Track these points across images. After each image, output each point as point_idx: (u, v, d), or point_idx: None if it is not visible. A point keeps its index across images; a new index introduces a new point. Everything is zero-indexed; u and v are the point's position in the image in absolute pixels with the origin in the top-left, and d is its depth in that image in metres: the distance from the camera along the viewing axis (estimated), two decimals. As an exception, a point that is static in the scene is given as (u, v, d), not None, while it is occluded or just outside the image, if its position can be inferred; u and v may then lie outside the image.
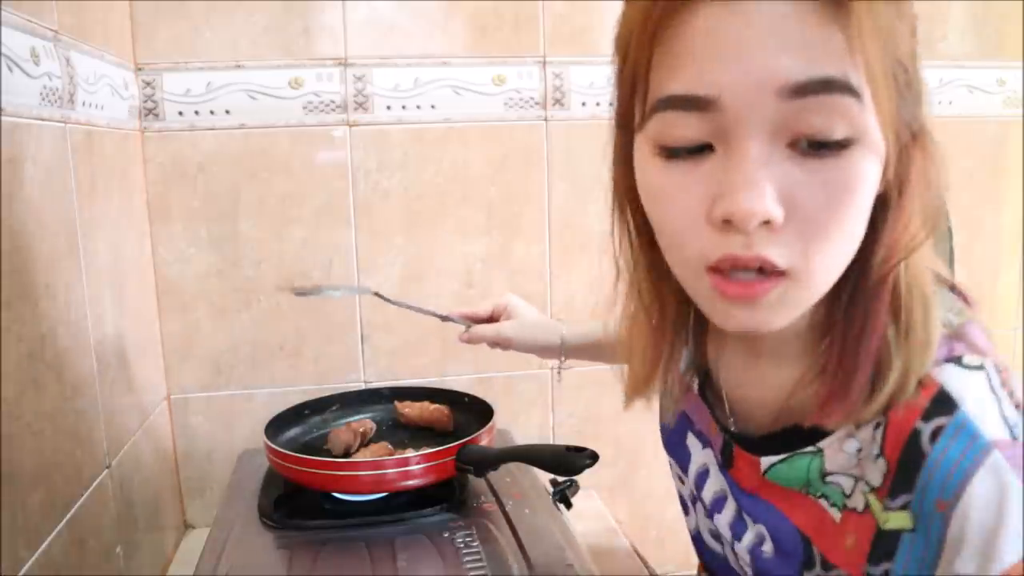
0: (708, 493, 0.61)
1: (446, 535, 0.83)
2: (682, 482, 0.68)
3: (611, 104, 0.49)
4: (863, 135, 0.41)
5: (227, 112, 1.15)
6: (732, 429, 0.57)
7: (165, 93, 1.14)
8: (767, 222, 0.41)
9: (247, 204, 1.18)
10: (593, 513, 1.24)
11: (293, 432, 1.05)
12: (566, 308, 1.29)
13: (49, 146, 0.78)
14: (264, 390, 1.22)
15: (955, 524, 0.42)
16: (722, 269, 0.43)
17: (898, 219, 0.45)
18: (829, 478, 0.50)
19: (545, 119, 1.25)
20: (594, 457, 0.80)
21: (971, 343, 0.47)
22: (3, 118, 0.67)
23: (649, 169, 0.45)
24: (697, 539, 0.68)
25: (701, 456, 0.62)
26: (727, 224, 0.42)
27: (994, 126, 1.41)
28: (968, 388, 0.44)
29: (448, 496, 0.91)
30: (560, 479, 0.98)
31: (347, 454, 0.97)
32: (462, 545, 0.81)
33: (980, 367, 0.46)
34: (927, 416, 0.44)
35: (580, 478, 0.94)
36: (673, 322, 0.55)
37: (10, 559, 0.64)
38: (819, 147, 0.41)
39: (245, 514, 0.91)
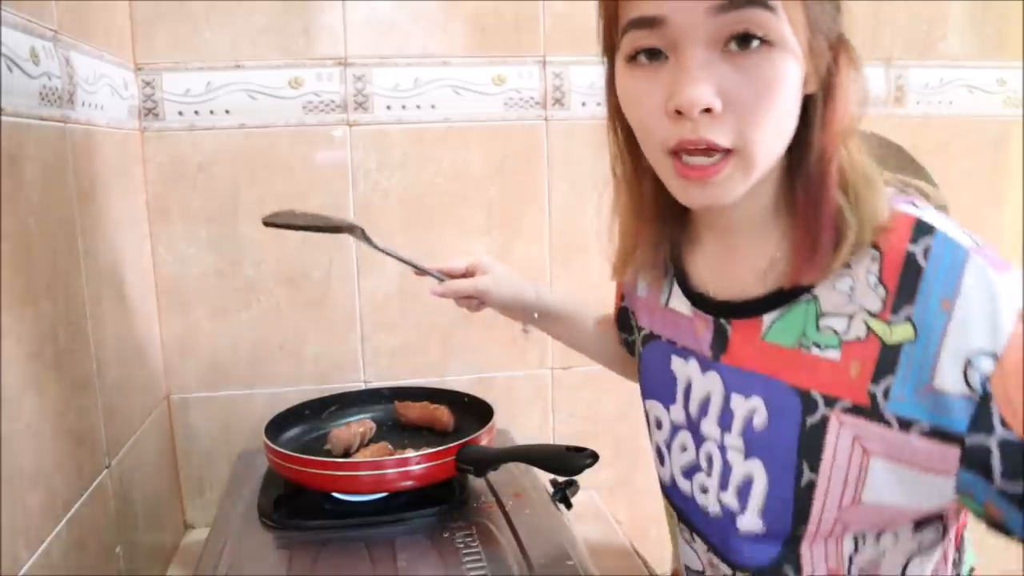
0: (694, 405, 0.68)
1: (446, 535, 0.83)
2: (659, 427, 0.74)
3: (598, 39, 0.64)
4: (779, 40, 0.52)
5: (227, 112, 1.15)
6: (721, 303, 0.66)
7: (165, 93, 1.14)
8: (708, 110, 0.53)
9: (247, 204, 1.18)
10: (593, 513, 1.24)
11: (293, 432, 1.05)
12: (566, 308, 1.29)
13: (49, 146, 0.78)
14: (264, 390, 1.22)
15: (958, 312, 0.52)
16: (679, 152, 0.55)
17: (832, 112, 0.56)
18: (823, 322, 0.59)
19: (545, 119, 1.25)
20: (594, 457, 0.80)
21: (907, 195, 0.60)
22: (3, 118, 0.67)
23: (624, 79, 0.58)
24: (671, 489, 0.73)
25: (685, 371, 0.70)
26: (679, 114, 0.53)
27: (994, 126, 1.42)
28: (935, 217, 0.56)
29: (448, 496, 0.91)
30: (560, 479, 0.99)
31: (347, 454, 0.97)
32: (462, 545, 0.81)
33: (927, 206, 0.58)
34: (914, 239, 0.55)
35: (580, 478, 0.94)
36: (651, 209, 0.67)
37: (10, 559, 0.64)
38: (745, 49, 0.52)
39: (245, 514, 0.91)
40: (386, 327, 1.25)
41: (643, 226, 0.69)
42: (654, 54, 0.55)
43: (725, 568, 0.67)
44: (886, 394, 0.55)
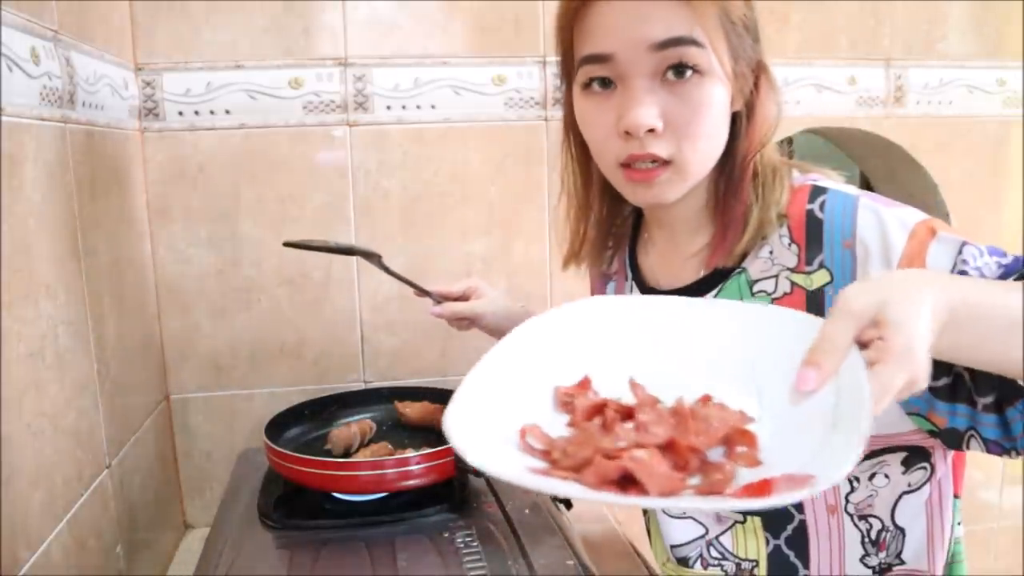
0: None
1: (446, 535, 0.83)
2: None
3: (557, 66, 0.72)
4: (708, 69, 0.62)
5: (227, 112, 1.15)
6: (672, 289, 0.74)
7: (165, 93, 1.14)
8: (651, 130, 0.63)
9: (247, 204, 1.18)
10: (593, 513, 1.24)
11: (293, 432, 1.05)
12: (566, 308, 1.29)
13: (49, 146, 0.78)
14: (264, 390, 1.22)
15: (859, 248, 0.63)
16: (628, 164, 0.65)
17: (753, 127, 0.68)
18: (756, 287, 0.69)
19: (545, 119, 1.25)
20: None
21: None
22: (3, 118, 0.67)
23: (580, 103, 0.68)
24: None
25: None
26: (627, 134, 0.63)
27: (994, 126, 1.41)
28: (828, 182, 0.68)
29: (448, 496, 0.91)
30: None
31: (347, 454, 0.97)
32: (462, 545, 0.81)
33: (820, 176, 0.70)
34: (811, 199, 0.67)
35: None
36: (597, 212, 0.78)
37: (10, 559, 0.64)
38: (680, 78, 0.62)
39: (245, 514, 0.91)
40: (386, 327, 1.25)
41: (588, 227, 0.79)
42: (605, 83, 0.64)
43: (737, 515, 0.73)
44: None
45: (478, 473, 0.88)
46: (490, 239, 1.26)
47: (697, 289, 0.72)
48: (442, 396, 1.10)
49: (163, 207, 1.16)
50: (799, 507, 0.70)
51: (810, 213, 0.66)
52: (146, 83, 1.13)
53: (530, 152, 1.25)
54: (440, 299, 0.99)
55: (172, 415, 1.21)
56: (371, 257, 0.97)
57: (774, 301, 0.67)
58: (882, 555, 0.70)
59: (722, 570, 0.75)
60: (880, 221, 0.63)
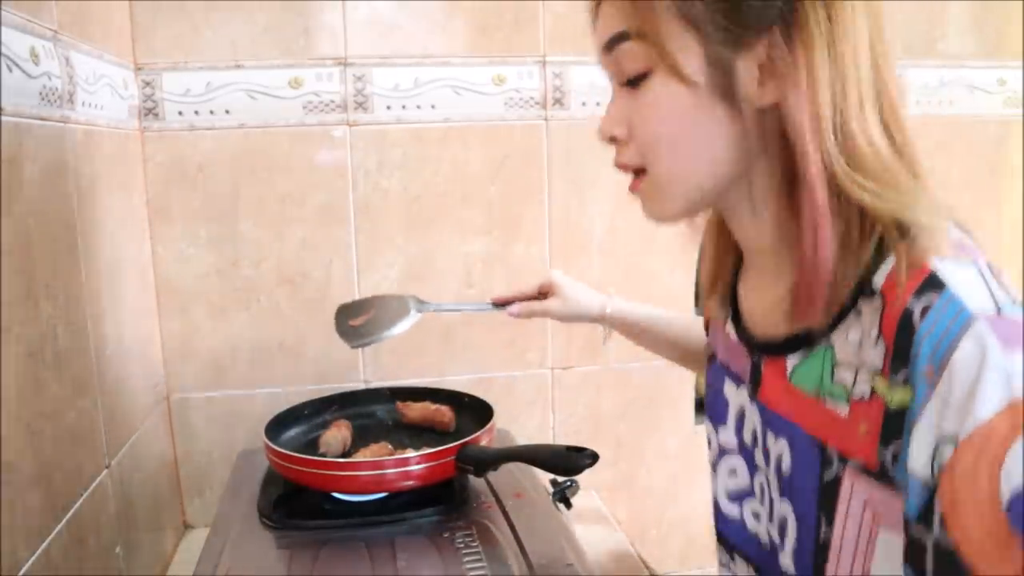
0: (747, 433, 0.67)
1: (446, 535, 0.83)
2: (709, 446, 0.73)
3: None
4: (656, 66, 0.55)
5: (227, 112, 1.15)
6: (756, 338, 0.64)
7: (165, 93, 1.14)
8: (614, 138, 0.60)
9: (247, 204, 1.18)
10: (593, 513, 1.24)
11: (293, 432, 1.05)
12: (566, 308, 1.29)
13: (49, 146, 0.78)
14: (264, 390, 1.22)
15: (942, 386, 0.47)
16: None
17: (791, 117, 0.52)
18: (836, 373, 0.55)
19: (545, 119, 1.25)
20: (594, 457, 0.80)
21: (963, 249, 0.52)
22: (3, 118, 0.67)
23: None
24: (715, 509, 0.72)
25: (737, 398, 0.68)
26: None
27: (994, 126, 1.41)
28: (956, 273, 0.50)
29: (448, 496, 0.91)
30: (560, 479, 0.98)
31: (345, 453, 0.97)
32: (462, 545, 0.81)
33: (972, 263, 0.51)
34: (918, 294, 0.49)
35: (580, 478, 0.94)
36: (710, 248, 0.71)
37: (10, 559, 0.64)
38: (635, 83, 0.57)
39: (245, 514, 0.91)
40: (386, 327, 1.24)
41: (704, 264, 0.71)
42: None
43: (747, 568, 0.67)
44: (895, 459, 0.50)
45: (478, 473, 0.89)
46: (490, 239, 1.25)
47: (780, 348, 0.60)
48: (442, 396, 1.10)
49: (163, 207, 1.16)
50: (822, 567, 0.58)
51: (907, 313, 0.49)
52: (146, 83, 1.13)
53: (530, 152, 1.25)
54: (502, 308, 0.99)
55: (172, 415, 1.21)
56: (421, 306, 1.00)
57: (851, 401, 0.53)
58: None
59: None
60: (982, 365, 0.45)
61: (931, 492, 0.47)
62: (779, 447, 0.61)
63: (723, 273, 0.70)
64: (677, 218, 0.62)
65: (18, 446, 0.67)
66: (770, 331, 0.62)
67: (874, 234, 0.53)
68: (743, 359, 0.66)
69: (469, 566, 0.76)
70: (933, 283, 0.49)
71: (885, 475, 0.51)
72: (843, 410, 0.54)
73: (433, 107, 1.21)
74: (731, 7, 0.52)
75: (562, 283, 0.98)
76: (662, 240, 1.28)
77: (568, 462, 0.81)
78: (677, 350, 0.96)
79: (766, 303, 0.63)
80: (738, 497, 0.68)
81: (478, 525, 0.85)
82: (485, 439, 0.94)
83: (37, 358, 0.72)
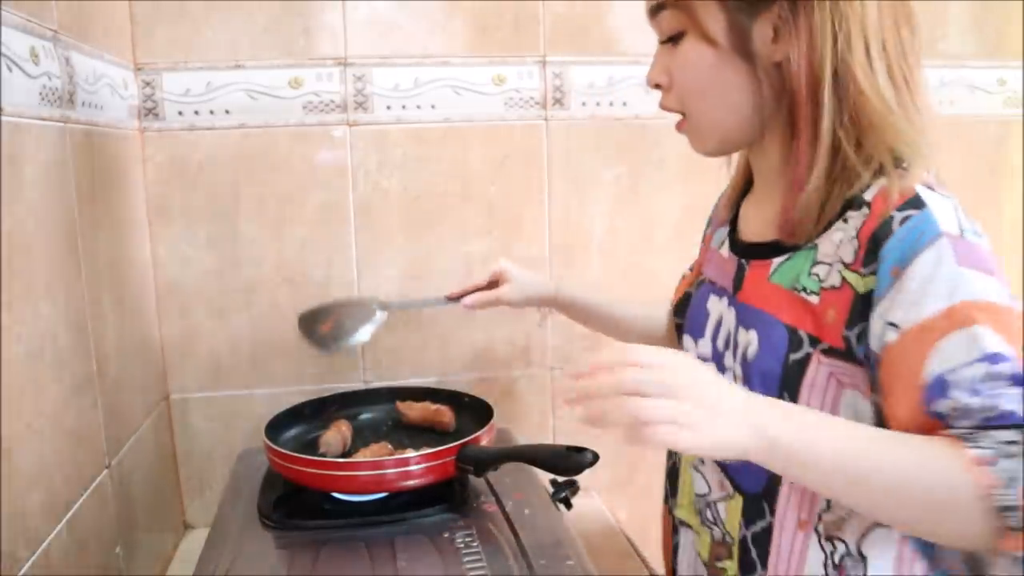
0: (720, 340, 0.76)
1: (446, 535, 0.83)
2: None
3: None
4: (688, 28, 0.67)
5: (227, 112, 1.15)
6: (747, 243, 0.76)
7: (165, 93, 1.14)
8: (659, 86, 0.72)
9: (247, 204, 1.18)
10: (593, 513, 1.24)
11: (293, 432, 1.05)
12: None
13: (49, 146, 0.78)
14: (264, 390, 1.22)
15: (899, 284, 0.58)
16: None
17: (789, 76, 0.63)
18: (813, 269, 0.65)
19: (545, 119, 1.25)
20: (594, 457, 0.80)
21: (943, 188, 0.63)
22: (3, 118, 0.67)
23: None
24: None
25: (717, 308, 0.78)
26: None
27: (994, 126, 1.42)
28: (936, 199, 0.60)
29: (448, 496, 0.90)
30: (560, 479, 0.98)
31: (345, 453, 0.97)
32: (462, 545, 0.81)
33: (950, 197, 0.62)
34: (902, 208, 0.60)
35: (580, 478, 0.94)
36: (738, 180, 0.82)
37: (10, 559, 0.64)
38: (674, 41, 0.69)
39: (245, 514, 0.91)
40: (386, 327, 1.24)
41: (728, 191, 0.84)
42: None
43: (730, 488, 0.73)
44: (859, 338, 0.61)
45: (478, 473, 0.89)
46: (490, 239, 1.25)
47: (767, 251, 0.71)
48: (442, 396, 1.10)
49: (163, 207, 1.16)
50: (772, 510, 0.68)
51: (887, 220, 0.60)
52: (146, 83, 1.13)
53: (530, 152, 1.25)
54: (456, 302, 1.04)
55: (172, 415, 1.21)
56: (385, 308, 1.04)
57: (822, 291, 0.64)
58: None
59: (711, 536, 0.76)
60: (935, 273, 0.57)
61: (877, 361, 0.59)
62: (747, 338, 0.71)
63: (735, 195, 0.81)
64: (715, 152, 0.74)
65: (18, 446, 0.67)
66: (758, 237, 0.73)
67: (873, 161, 0.63)
68: (731, 268, 0.76)
69: (469, 566, 0.76)
70: (916, 202, 0.60)
71: (850, 352, 0.62)
72: (814, 299, 0.64)
73: (433, 107, 1.21)
74: None
75: (511, 270, 1.03)
76: (662, 240, 1.29)
77: (568, 462, 0.81)
78: (632, 334, 1.00)
79: (763, 214, 0.74)
80: None
81: (478, 525, 0.85)
82: (485, 439, 0.94)
83: (37, 358, 0.72)
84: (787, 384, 0.66)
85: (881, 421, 0.61)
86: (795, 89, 0.64)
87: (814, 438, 0.56)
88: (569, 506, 0.97)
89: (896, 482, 0.55)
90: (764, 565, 0.69)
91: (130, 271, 1.06)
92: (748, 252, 0.75)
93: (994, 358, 0.54)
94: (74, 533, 0.77)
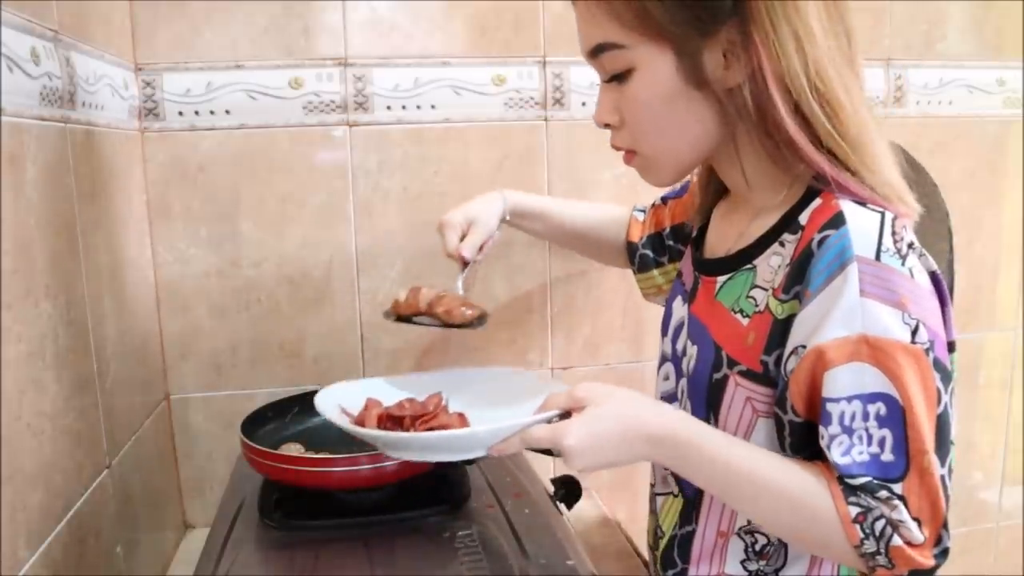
0: (680, 342, 0.78)
1: (446, 535, 0.83)
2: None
3: None
4: (635, 65, 0.64)
5: (227, 112, 1.15)
6: (702, 258, 0.77)
7: (165, 93, 1.14)
8: (609, 125, 0.71)
9: (247, 204, 1.18)
10: (593, 513, 1.24)
11: (270, 427, 1.02)
12: (566, 308, 1.29)
13: (49, 146, 0.78)
14: (264, 390, 1.22)
15: (807, 308, 0.59)
16: None
17: (743, 96, 0.61)
18: (751, 292, 0.67)
19: (545, 119, 1.25)
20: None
21: (880, 203, 0.62)
22: (3, 118, 0.67)
23: None
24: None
25: (679, 311, 0.79)
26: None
27: (994, 126, 1.42)
28: (858, 216, 0.60)
29: (448, 496, 0.91)
30: (560, 479, 0.98)
31: (416, 313, 0.95)
32: (462, 545, 0.81)
33: (880, 212, 0.60)
34: (823, 228, 0.60)
35: (580, 478, 0.94)
36: (700, 178, 0.82)
37: (10, 559, 0.64)
38: (618, 80, 0.67)
39: (245, 514, 0.91)
40: (386, 327, 1.24)
41: (696, 199, 0.84)
42: None
43: (673, 486, 0.77)
44: (777, 362, 0.63)
45: (469, 462, 0.90)
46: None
47: (715, 267, 0.73)
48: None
49: (163, 207, 1.16)
50: (696, 516, 0.73)
51: (810, 243, 0.61)
52: (146, 83, 1.13)
53: (530, 152, 1.25)
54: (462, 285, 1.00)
55: (172, 415, 1.21)
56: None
57: (754, 314, 0.66)
58: (762, 563, 0.70)
59: (655, 524, 0.82)
60: (837, 302, 0.58)
61: (786, 385, 0.61)
62: (692, 352, 0.73)
63: (706, 201, 0.82)
64: (671, 183, 0.73)
65: (18, 446, 0.67)
66: (715, 254, 0.75)
67: (806, 179, 0.64)
68: (691, 278, 0.78)
69: (469, 566, 0.77)
70: (837, 220, 0.60)
71: (767, 376, 0.64)
72: (743, 321, 0.67)
73: (433, 107, 1.21)
74: (688, 12, 0.60)
75: (460, 215, 1.00)
76: (662, 240, 1.29)
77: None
78: (585, 241, 1.04)
79: (722, 230, 0.76)
80: (668, 399, 0.80)
81: (478, 525, 0.85)
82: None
83: (37, 358, 0.72)
84: (711, 403, 0.69)
85: (779, 432, 0.65)
86: (764, 107, 0.61)
87: (695, 451, 0.62)
88: (569, 506, 0.97)
89: (766, 498, 0.61)
90: (685, 562, 0.75)
91: (130, 271, 1.06)
92: (702, 266, 0.77)
93: (872, 398, 0.57)
94: (74, 533, 0.78)
